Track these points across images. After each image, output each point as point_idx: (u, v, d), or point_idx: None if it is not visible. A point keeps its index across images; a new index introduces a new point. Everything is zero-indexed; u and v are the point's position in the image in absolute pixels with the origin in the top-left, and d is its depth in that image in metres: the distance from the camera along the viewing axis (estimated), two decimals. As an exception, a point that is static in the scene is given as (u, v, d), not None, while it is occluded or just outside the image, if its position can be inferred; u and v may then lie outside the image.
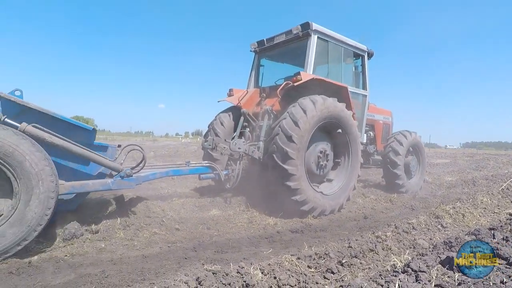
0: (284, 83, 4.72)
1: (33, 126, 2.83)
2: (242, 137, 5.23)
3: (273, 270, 2.32)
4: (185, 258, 2.88)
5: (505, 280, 1.86)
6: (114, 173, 3.53)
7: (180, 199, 5.00)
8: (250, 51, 6.22)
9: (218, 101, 5.92)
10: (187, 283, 2.02)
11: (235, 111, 5.79)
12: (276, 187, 4.40)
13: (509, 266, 2.14)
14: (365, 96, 6.24)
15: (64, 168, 3.07)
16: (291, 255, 2.65)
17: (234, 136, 5.20)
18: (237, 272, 2.22)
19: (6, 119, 2.81)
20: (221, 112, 5.95)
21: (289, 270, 2.36)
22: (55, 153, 2.95)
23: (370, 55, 6.34)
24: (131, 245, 3.17)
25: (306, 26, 5.08)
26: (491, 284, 1.74)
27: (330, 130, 5.06)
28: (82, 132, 3.20)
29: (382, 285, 1.81)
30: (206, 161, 4.97)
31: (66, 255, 2.79)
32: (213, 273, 2.17)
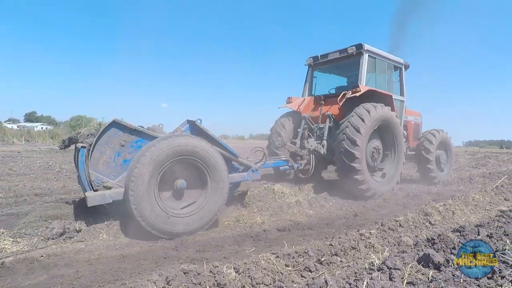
0: (343, 93, 5.71)
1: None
2: (312, 137, 6.16)
3: (248, 269, 2.27)
4: (165, 258, 2.84)
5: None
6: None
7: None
8: (305, 65, 7.27)
9: (279, 107, 6.94)
10: (155, 282, 1.98)
11: (294, 116, 6.83)
12: (343, 166, 5.47)
13: (488, 263, 2.08)
14: (403, 101, 7.27)
15: None
16: (270, 254, 2.60)
17: (298, 137, 6.32)
18: (209, 272, 2.18)
19: None
20: (282, 117, 6.99)
21: (265, 269, 2.31)
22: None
23: (406, 67, 7.38)
24: (112, 245, 3.12)
25: (359, 47, 6.12)
26: (462, 281, 1.68)
27: (382, 131, 6.09)
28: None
29: (350, 284, 1.76)
30: (284, 156, 5.77)
31: (42, 256, 2.74)
32: (184, 273, 2.12)
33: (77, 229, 3.29)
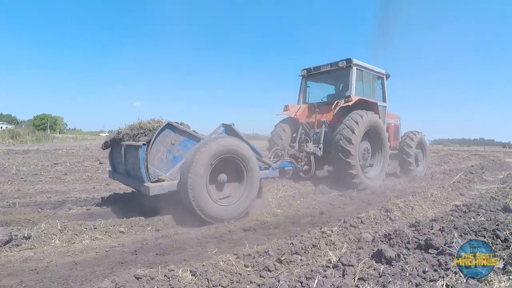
0: (336, 102, 6.63)
1: None
2: (310, 141, 6.87)
3: (206, 271, 2.22)
4: (121, 263, 2.71)
5: (426, 269, 1.87)
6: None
7: (130, 202, 4.79)
8: (299, 75, 8.08)
9: (277, 115, 7.68)
10: (103, 290, 1.87)
11: (291, 122, 7.60)
12: (339, 162, 6.27)
13: (437, 256, 2.18)
14: (385, 107, 8.17)
15: None
16: (232, 254, 2.56)
17: (296, 141, 7.09)
18: (164, 276, 2.10)
19: None
20: (280, 123, 7.72)
21: (223, 270, 2.27)
22: None
23: (387, 77, 8.34)
24: (64, 251, 2.92)
25: (349, 61, 7.00)
26: (408, 274, 1.73)
27: (370, 135, 6.92)
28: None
29: (302, 282, 1.76)
30: (288, 158, 6.23)
31: (-17, 266, 2.52)
32: (137, 278, 2.03)
33: (26, 235, 3.06)
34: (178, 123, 4.02)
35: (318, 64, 7.69)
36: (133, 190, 5.65)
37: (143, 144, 3.62)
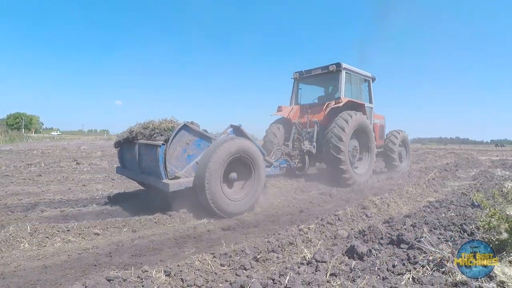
0: (327, 104, 7.11)
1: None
2: (305, 140, 7.32)
3: (181, 271, 2.20)
4: (95, 265, 2.64)
5: (396, 264, 1.93)
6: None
7: (106, 203, 4.67)
8: (291, 78, 8.52)
9: (271, 115, 8.10)
10: (72, 293, 1.81)
11: (284, 122, 8.01)
12: (331, 158, 6.69)
13: (407, 250, 2.25)
14: (371, 108, 8.68)
15: None
16: (209, 254, 2.54)
17: (290, 140, 7.52)
18: (137, 277, 2.06)
19: None
20: (274, 123, 8.16)
21: (199, 269, 2.25)
22: None
23: (373, 80, 8.85)
24: (34, 255, 2.82)
25: (338, 65, 7.42)
26: (376, 269, 1.78)
27: (358, 134, 7.35)
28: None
29: (274, 280, 1.77)
30: (284, 156, 6.65)
31: None
32: (108, 280, 1.98)
33: (-7, 239, 2.93)
34: (189, 122, 4.21)
35: (309, 67, 8.12)
36: (111, 190, 5.54)
37: (162, 143, 3.86)
